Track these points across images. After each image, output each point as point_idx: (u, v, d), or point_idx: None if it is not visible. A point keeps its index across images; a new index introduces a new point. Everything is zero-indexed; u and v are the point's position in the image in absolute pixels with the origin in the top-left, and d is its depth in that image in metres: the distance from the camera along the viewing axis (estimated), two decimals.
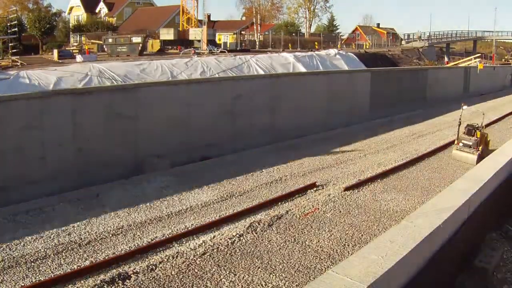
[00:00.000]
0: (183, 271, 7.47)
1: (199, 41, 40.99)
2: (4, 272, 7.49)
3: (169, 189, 11.64)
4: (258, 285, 7.03)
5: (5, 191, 10.82)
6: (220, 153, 15.29)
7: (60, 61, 30.38)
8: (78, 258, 8.00)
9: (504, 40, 79.17)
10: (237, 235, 8.77)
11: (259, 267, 7.58)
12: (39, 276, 7.38)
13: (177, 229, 9.17)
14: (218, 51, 38.45)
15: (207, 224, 9.37)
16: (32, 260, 7.89)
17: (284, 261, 7.81)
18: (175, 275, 7.35)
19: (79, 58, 30.08)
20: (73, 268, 7.58)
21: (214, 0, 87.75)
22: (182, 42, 42.75)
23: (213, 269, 7.53)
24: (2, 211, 9.93)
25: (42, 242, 8.55)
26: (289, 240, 8.64)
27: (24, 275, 7.42)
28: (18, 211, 9.94)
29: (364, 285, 3.81)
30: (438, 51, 65.60)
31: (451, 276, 6.78)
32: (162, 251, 8.22)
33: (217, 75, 24.58)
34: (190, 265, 7.67)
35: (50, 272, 7.51)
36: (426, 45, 59.11)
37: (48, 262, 7.84)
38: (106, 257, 7.91)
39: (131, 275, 7.31)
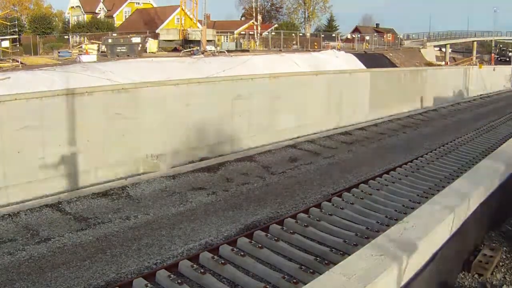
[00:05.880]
0: None
1: (198, 41, 40.97)
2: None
3: (168, 189, 11.63)
4: None
5: (5, 190, 10.82)
6: (220, 153, 15.29)
7: (59, 61, 30.37)
8: (77, 259, 8.00)
9: (503, 41, 79.34)
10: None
11: None
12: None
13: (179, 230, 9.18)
14: (218, 51, 38.45)
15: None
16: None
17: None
18: None
19: (81, 58, 30.04)
20: None
21: (213, 0, 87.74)
22: (182, 43, 42.72)
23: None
24: (2, 211, 9.93)
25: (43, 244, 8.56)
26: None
27: None
28: (18, 210, 9.93)
29: (363, 285, 3.82)
30: (438, 52, 65.67)
31: (450, 276, 6.80)
32: None
33: (216, 75, 24.60)
34: None
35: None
36: (425, 46, 59.20)
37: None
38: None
39: None
